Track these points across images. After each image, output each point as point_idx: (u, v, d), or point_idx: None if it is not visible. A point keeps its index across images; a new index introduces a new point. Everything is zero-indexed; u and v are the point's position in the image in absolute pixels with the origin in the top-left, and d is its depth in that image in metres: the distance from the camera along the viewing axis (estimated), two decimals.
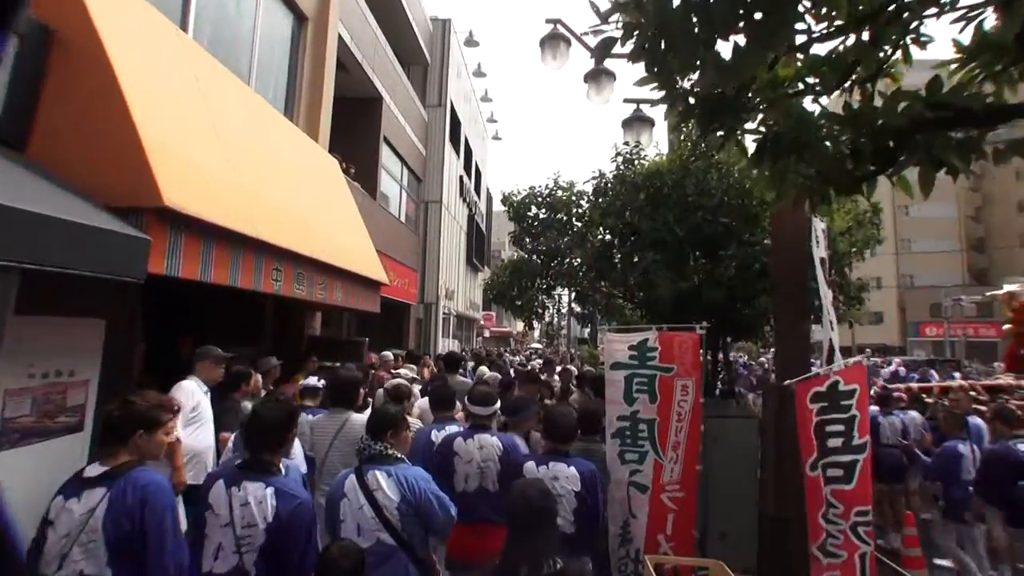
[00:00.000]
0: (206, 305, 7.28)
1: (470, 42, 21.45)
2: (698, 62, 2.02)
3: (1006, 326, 8.25)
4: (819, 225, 4.44)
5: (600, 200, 6.60)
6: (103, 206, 3.84)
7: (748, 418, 5.63)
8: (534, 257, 7.36)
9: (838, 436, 3.66)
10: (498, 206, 10.29)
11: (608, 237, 6.36)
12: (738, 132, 2.44)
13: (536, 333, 47.80)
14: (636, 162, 6.22)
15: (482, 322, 33.05)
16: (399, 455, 2.96)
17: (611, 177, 6.49)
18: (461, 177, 23.57)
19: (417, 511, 2.79)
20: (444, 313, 20.65)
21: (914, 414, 6.88)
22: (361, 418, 4.06)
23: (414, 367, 9.50)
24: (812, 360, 4.69)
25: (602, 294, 7.67)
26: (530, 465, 3.49)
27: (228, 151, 5.36)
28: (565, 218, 7.00)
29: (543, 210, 7.12)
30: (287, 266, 5.89)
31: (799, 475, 4.03)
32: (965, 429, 5.59)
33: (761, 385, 5.37)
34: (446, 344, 20.75)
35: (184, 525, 3.19)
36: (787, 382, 3.80)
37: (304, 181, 7.50)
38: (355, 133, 13.68)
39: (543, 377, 7.41)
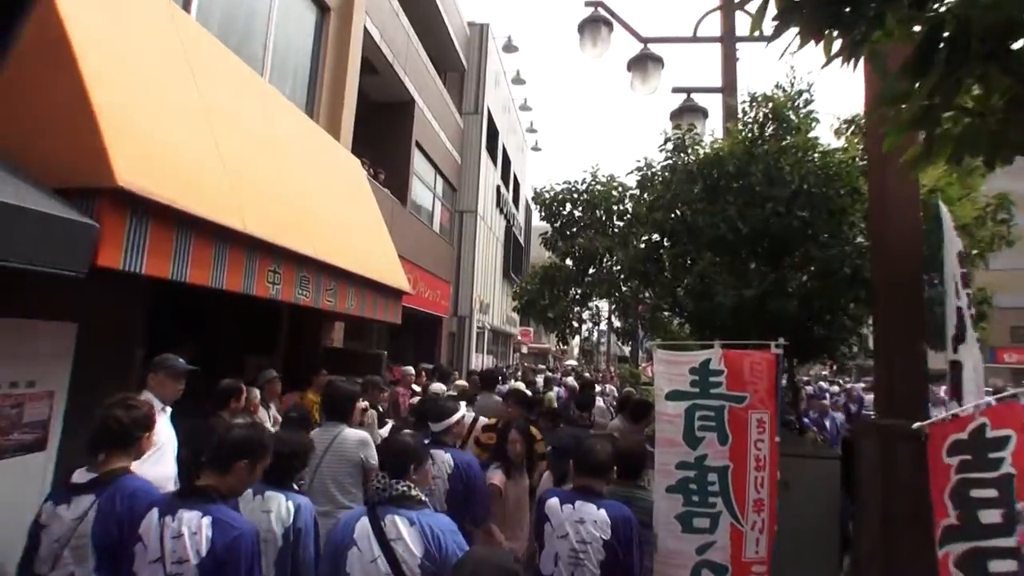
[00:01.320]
0: (218, 310, 6.69)
1: (509, 48, 20.85)
2: None
3: None
4: (946, 212, 3.47)
5: (645, 195, 5.71)
6: (46, 187, 3.18)
7: (829, 459, 4.63)
8: (568, 262, 6.50)
9: (990, 506, 2.58)
10: (538, 221, 9.52)
11: (655, 237, 5.44)
12: (873, 34, 1.58)
13: (576, 351, 46.57)
14: (690, 148, 5.30)
15: (519, 337, 32.17)
16: (422, 497, 2.46)
17: (659, 168, 5.59)
18: (498, 187, 22.93)
19: (439, 569, 2.27)
20: (478, 327, 19.90)
21: None
22: (354, 433, 3.88)
23: (443, 386, 8.92)
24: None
25: (646, 305, 6.75)
26: (553, 502, 2.94)
27: (219, 138, 4.70)
28: (604, 216, 6.14)
29: (579, 208, 6.28)
30: (287, 268, 5.20)
31: (916, 545, 3.06)
32: None
33: (854, 423, 4.32)
34: (480, 360, 19.99)
35: None
36: (917, 424, 2.73)
37: (317, 179, 6.85)
38: (386, 138, 13.16)
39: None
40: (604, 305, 8.13)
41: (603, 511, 2.83)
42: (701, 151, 5.28)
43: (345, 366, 8.03)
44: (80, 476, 2.44)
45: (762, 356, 3.52)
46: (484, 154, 19.79)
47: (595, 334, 29.98)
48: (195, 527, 2.13)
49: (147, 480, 2.55)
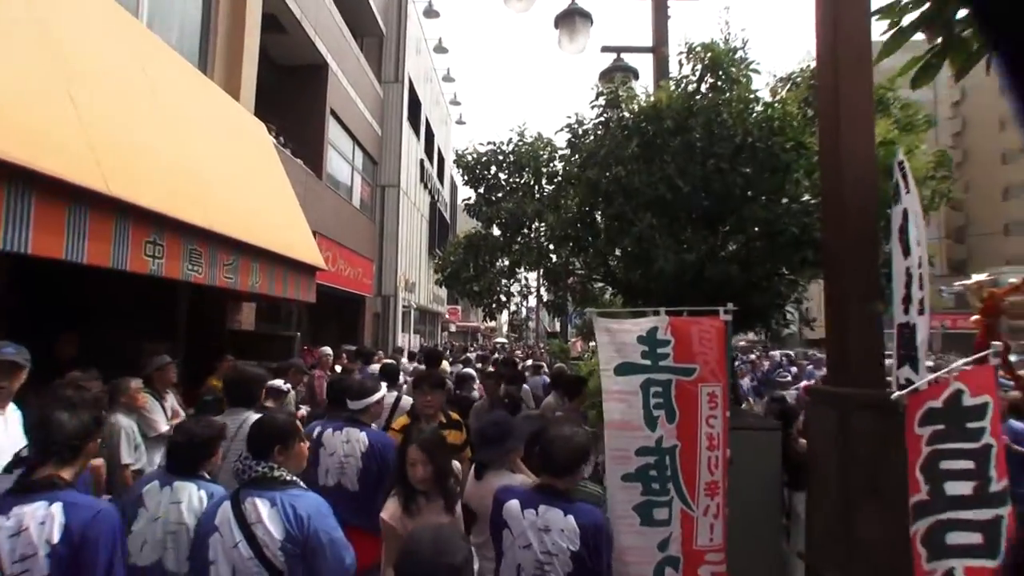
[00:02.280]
0: (106, 293, 5.87)
1: (430, 12, 19.95)
2: None
3: (974, 317, 7.15)
4: (902, 160, 3.18)
5: (576, 156, 5.28)
6: None
7: (771, 430, 4.42)
8: (495, 231, 6.00)
9: (964, 478, 2.27)
10: (464, 193, 8.95)
11: (588, 200, 5.02)
12: None
13: (505, 328, 46.34)
14: (625, 104, 4.88)
15: (447, 316, 31.63)
16: (289, 477, 2.35)
17: (591, 125, 5.15)
18: (422, 161, 22.13)
19: (304, 551, 2.20)
20: (404, 306, 19.22)
21: None
22: None
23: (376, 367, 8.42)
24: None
25: (576, 277, 6.37)
26: (512, 506, 2.53)
27: (74, 85, 3.92)
28: (533, 179, 5.66)
29: (505, 170, 5.78)
30: (171, 239, 4.49)
31: (877, 520, 2.85)
32: None
33: (811, 392, 4.07)
34: (406, 340, 19.35)
35: None
36: (897, 394, 2.46)
37: (211, 141, 6.07)
38: (297, 104, 12.20)
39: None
40: (533, 277, 7.70)
41: (571, 518, 2.43)
42: (636, 106, 4.89)
43: (254, 349, 7.33)
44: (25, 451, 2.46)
45: (711, 324, 3.19)
46: (406, 125, 18.95)
47: (524, 309, 29.62)
48: (42, 516, 1.93)
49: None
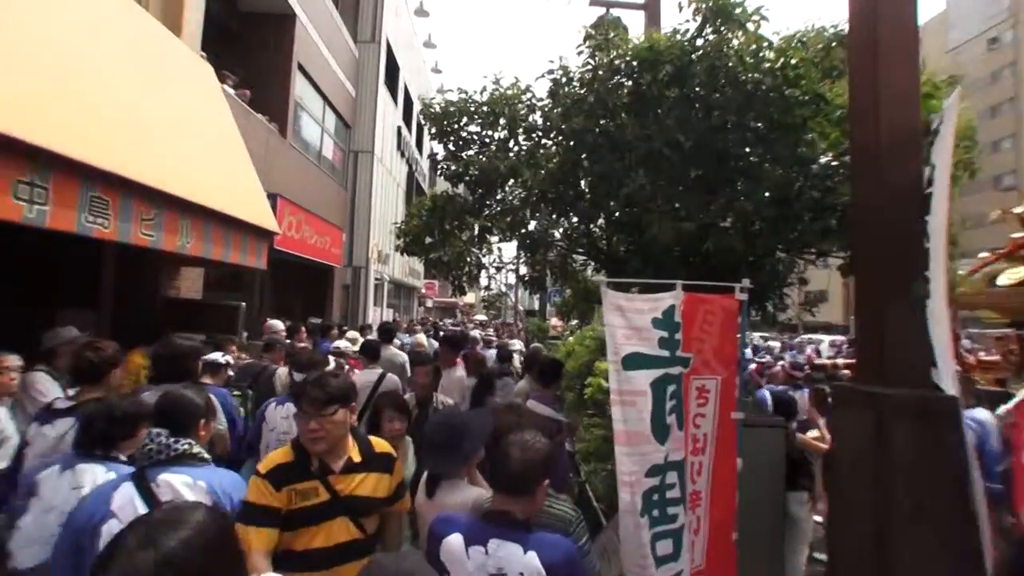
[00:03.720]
0: (13, 252, 5.08)
1: None
2: None
3: None
4: (951, 108, 2.54)
5: (558, 109, 4.52)
6: None
7: (774, 427, 3.81)
8: (462, 189, 5.22)
9: None
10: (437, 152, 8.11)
11: (571, 157, 4.26)
12: None
13: (484, 304, 45.58)
14: (616, 49, 4.12)
15: (423, 291, 30.79)
16: (205, 455, 2.20)
17: (578, 74, 4.38)
18: (399, 128, 21.16)
19: None
20: (376, 279, 18.41)
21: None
22: None
23: (358, 336, 8.01)
24: None
25: (557, 250, 5.66)
26: (454, 542, 1.89)
27: None
28: (508, 133, 4.89)
29: (477, 122, 4.98)
30: (62, 182, 3.67)
31: (924, 543, 2.29)
32: None
33: (839, 391, 3.44)
34: (378, 314, 18.58)
35: None
36: (1003, 409, 1.88)
37: (130, 74, 5.20)
38: (261, 55, 11.24)
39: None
40: (509, 249, 6.96)
41: (533, 555, 1.79)
42: (629, 51, 4.14)
43: (193, 320, 6.57)
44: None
45: (721, 304, 2.50)
46: (383, 89, 17.96)
47: (500, 285, 28.82)
48: None
49: None
